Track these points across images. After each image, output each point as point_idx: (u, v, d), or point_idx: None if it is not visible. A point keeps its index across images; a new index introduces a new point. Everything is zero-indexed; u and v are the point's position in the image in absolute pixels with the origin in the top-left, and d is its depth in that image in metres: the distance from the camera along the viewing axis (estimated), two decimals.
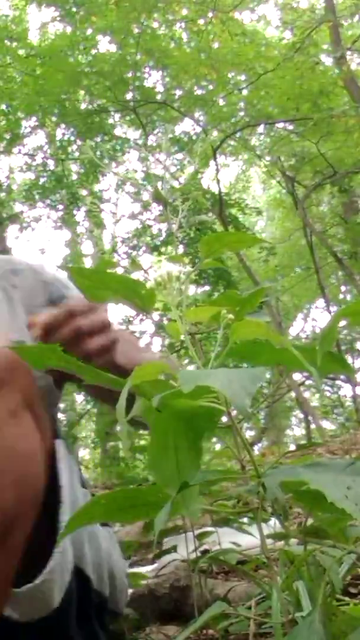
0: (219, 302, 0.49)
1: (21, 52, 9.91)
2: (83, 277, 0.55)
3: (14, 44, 9.87)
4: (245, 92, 9.73)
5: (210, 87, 9.91)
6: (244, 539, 1.36)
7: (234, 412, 0.49)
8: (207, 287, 9.93)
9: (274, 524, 1.20)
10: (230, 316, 0.48)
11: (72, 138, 10.26)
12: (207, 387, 0.46)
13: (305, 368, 0.45)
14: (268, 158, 10.79)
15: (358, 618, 0.62)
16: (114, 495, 0.56)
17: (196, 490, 0.47)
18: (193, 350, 0.48)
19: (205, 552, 1.37)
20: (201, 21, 9.59)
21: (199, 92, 10.05)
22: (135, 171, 10.57)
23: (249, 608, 1.12)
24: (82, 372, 0.52)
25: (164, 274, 0.49)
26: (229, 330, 0.47)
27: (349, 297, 13.85)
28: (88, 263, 12.65)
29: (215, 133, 10.12)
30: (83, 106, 10.09)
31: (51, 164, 10.74)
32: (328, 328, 0.48)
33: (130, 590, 1.42)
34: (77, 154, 10.17)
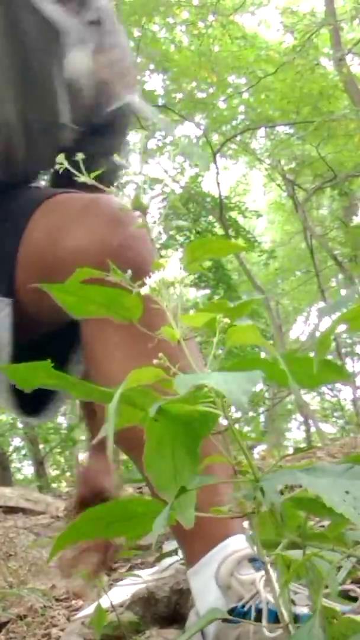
0: (210, 310, 0.49)
1: None
2: (66, 294, 0.53)
3: None
4: (245, 95, 9.75)
5: (211, 90, 9.93)
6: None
7: (235, 413, 0.49)
8: (207, 291, 9.93)
9: None
10: (227, 320, 0.48)
11: None
12: (204, 393, 0.46)
13: (290, 385, 0.45)
14: (268, 161, 10.81)
15: (358, 621, 0.62)
16: (99, 510, 0.53)
17: (193, 495, 0.47)
18: (189, 354, 0.48)
19: None
20: (201, 24, 9.61)
21: (199, 95, 10.06)
22: (136, 174, 10.56)
23: None
24: (73, 389, 0.52)
25: (158, 279, 0.49)
26: (225, 335, 0.48)
27: None
28: None
29: (215, 136, 10.13)
30: None
31: None
32: (324, 335, 0.48)
33: (130, 592, 1.42)
34: None
